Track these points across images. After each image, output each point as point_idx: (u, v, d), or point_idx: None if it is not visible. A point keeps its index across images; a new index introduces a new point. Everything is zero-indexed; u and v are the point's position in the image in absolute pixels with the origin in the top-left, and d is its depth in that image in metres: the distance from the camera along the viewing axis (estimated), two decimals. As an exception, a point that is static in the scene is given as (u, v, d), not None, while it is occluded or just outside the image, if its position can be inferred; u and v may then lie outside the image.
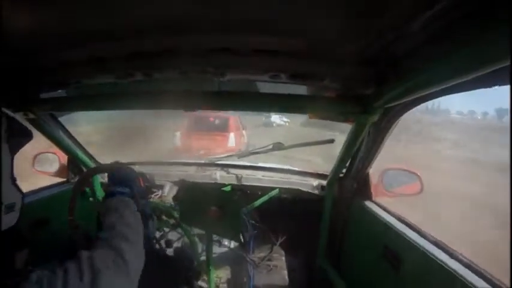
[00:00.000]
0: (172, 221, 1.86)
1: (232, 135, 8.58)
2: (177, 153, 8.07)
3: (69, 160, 2.04)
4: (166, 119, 10.32)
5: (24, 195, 0.92)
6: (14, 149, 0.90)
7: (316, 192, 2.03)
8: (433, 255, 1.12)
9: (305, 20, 0.73)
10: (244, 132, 9.87)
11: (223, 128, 8.73)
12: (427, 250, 1.16)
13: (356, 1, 0.63)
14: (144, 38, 0.88)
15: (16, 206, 0.87)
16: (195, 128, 8.70)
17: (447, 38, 0.62)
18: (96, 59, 1.00)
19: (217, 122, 8.92)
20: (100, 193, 1.91)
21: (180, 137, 8.63)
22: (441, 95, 0.95)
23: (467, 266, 1.03)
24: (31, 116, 1.32)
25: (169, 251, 1.87)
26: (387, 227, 1.43)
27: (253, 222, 1.93)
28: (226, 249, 1.92)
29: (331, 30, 0.78)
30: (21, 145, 0.95)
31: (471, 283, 0.95)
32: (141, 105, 1.30)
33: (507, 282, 0.94)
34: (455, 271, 1.01)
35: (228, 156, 2.45)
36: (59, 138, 1.71)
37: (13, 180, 0.88)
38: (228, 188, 1.84)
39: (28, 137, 0.97)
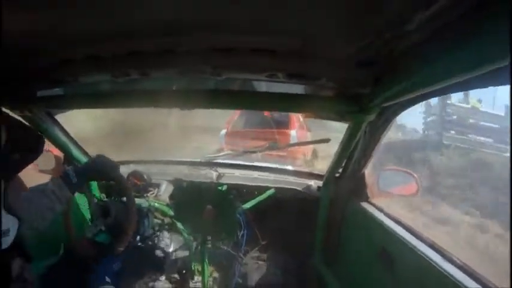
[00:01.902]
0: (167, 220, 1.87)
1: (294, 132, 6.71)
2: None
3: (64, 158, 2.03)
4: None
5: (21, 220, 0.93)
6: (11, 172, 0.91)
7: (312, 192, 2.03)
8: (429, 258, 1.12)
9: (302, 19, 0.73)
10: (309, 134, 7.71)
11: (283, 124, 6.76)
12: (422, 252, 1.16)
13: (353, 1, 0.63)
14: (141, 38, 0.88)
15: (11, 231, 0.89)
16: (244, 124, 6.92)
17: (445, 37, 0.62)
18: (93, 58, 1.00)
19: (275, 115, 6.57)
20: (95, 191, 1.92)
21: (225, 136, 6.89)
22: (438, 95, 0.96)
23: (463, 269, 1.03)
24: (27, 113, 1.31)
25: (163, 249, 1.88)
26: (383, 228, 1.43)
27: (247, 221, 1.93)
28: (219, 247, 1.93)
29: (328, 29, 0.78)
30: (25, 164, 0.97)
31: (466, 286, 0.95)
32: (138, 104, 1.30)
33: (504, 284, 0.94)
34: (450, 274, 1.01)
35: (224, 154, 2.45)
36: (55, 136, 1.70)
37: (7, 207, 0.89)
38: (224, 187, 1.84)
39: (34, 153, 0.96)
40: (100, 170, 1.36)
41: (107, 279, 1.52)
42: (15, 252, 0.92)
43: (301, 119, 7.35)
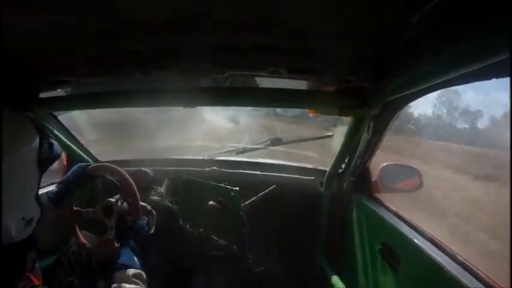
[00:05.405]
0: (171, 217, 1.87)
1: None
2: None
3: (68, 158, 2.04)
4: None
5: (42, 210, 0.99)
6: (44, 168, 0.99)
7: (315, 188, 2.02)
8: (430, 254, 1.12)
9: (305, 16, 0.73)
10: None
11: None
12: (424, 249, 1.16)
13: None
14: (141, 37, 0.88)
15: (34, 221, 0.94)
16: None
17: (447, 30, 0.62)
18: (96, 58, 1.00)
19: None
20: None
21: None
22: (441, 88, 0.95)
23: (464, 265, 1.03)
24: (31, 115, 1.31)
25: (168, 248, 1.88)
26: (386, 224, 1.43)
27: (250, 217, 1.93)
28: (223, 245, 1.93)
29: (330, 25, 0.77)
30: (50, 163, 1.03)
31: (466, 284, 0.95)
32: (141, 103, 1.30)
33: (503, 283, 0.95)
34: (450, 270, 1.01)
35: (226, 152, 2.44)
36: (59, 137, 1.70)
37: (37, 196, 0.96)
38: (227, 185, 1.84)
39: (58, 156, 1.05)
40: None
41: None
42: (32, 244, 0.98)
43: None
